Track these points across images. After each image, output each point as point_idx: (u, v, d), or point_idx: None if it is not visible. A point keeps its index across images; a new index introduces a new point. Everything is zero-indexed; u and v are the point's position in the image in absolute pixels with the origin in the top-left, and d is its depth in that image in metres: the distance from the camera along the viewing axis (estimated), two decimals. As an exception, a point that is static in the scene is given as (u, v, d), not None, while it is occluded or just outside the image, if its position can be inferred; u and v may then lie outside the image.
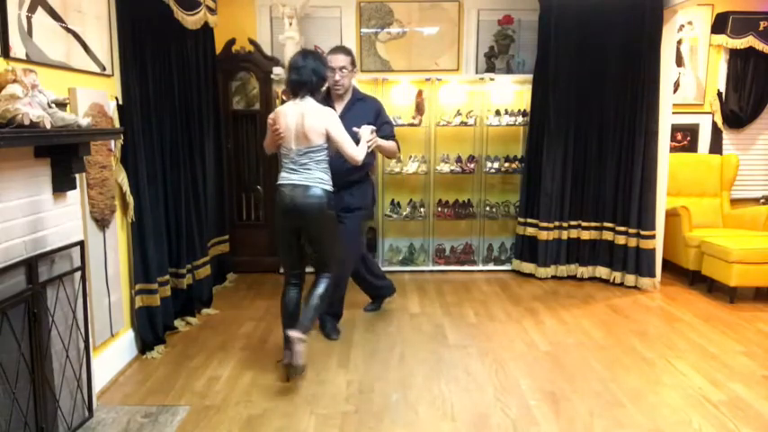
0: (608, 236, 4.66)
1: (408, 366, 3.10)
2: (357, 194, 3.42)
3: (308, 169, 2.89)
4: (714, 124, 5.27)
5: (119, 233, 3.06)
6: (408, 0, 4.99)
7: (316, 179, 2.89)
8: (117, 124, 2.95)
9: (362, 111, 3.38)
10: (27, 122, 1.85)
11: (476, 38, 5.07)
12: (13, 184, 2.08)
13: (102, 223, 2.84)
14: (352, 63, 3.37)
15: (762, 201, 5.29)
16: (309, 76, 2.91)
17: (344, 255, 3.40)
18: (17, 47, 2.20)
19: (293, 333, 2.77)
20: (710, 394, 2.80)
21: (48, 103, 2.07)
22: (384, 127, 3.40)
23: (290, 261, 3.06)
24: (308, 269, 3.10)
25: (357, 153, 2.94)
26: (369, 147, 3.04)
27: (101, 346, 2.87)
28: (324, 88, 3.07)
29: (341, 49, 3.39)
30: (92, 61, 2.78)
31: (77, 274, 2.45)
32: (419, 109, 4.97)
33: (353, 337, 3.53)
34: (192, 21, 3.72)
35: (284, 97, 4.99)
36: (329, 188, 2.93)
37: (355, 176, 3.34)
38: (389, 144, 3.42)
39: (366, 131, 3.06)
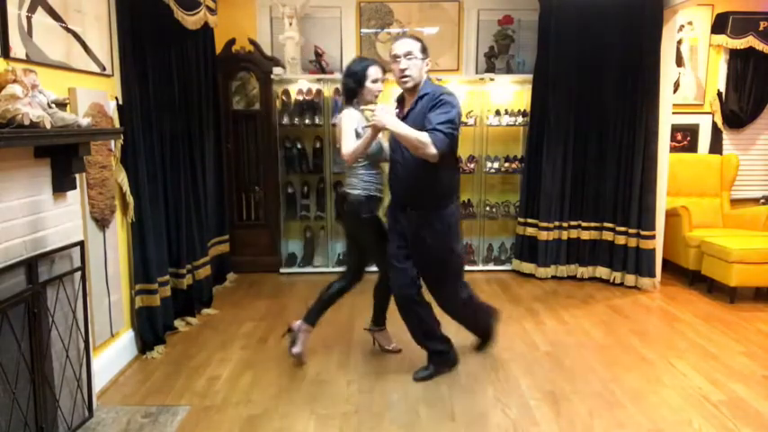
0: (608, 236, 4.66)
1: (408, 366, 3.09)
2: None
3: (348, 176, 3.06)
4: (714, 124, 5.27)
5: (119, 233, 3.06)
6: (408, 0, 5.00)
7: (349, 185, 3.02)
8: (117, 124, 2.95)
9: (422, 107, 2.69)
10: (27, 122, 1.85)
11: (476, 38, 5.07)
12: (13, 184, 2.08)
13: (102, 223, 2.84)
14: (423, 50, 2.73)
15: (762, 201, 5.29)
16: (344, 80, 3.01)
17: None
18: (17, 47, 2.20)
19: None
20: (710, 394, 2.80)
21: (48, 103, 2.07)
22: (429, 117, 2.61)
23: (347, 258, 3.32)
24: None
25: (343, 149, 2.84)
26: (364, 129, 2.78)
27: (101, 346, 2.87)
28: (361, 92, 2.95)
29: (407, 35, 3.05)
30: (92, 61, 2.78)
31: (77, 274, 2.45)
32: (419, 109, 4.96)
33: (353, 337, 3.53)
34: (192, 21, 3.71)
35: (284, 98, 5.01)
36: (360, 192, 2.95)
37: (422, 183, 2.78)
38: (409, 132, 2.55)
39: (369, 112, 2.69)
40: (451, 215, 2.78)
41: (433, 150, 2.50)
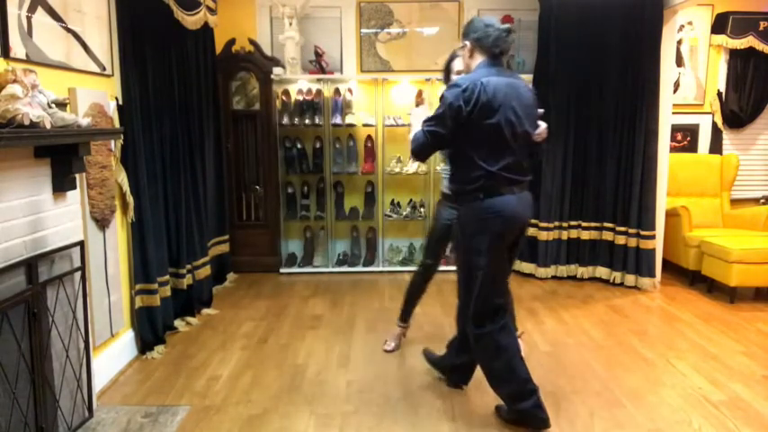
0: (608, 236, 4.65)
1: (408, 366, 3.10)
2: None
3: None
4: (714, 124, 5.27)
5: (119, 233, 3.06)
6: (408, 0, 4.99)
7: None
8: (117, 124, 2.95)
9: None
10: (27, 122, 1.85)
11: (476, 38, 5.07)
12: (13, 184, 2.08)
13: (102, 223, 2.84)
14: (463, 35, 2.50)
15: (762, 201, 5.29)
16: None
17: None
18: (17, 47, 2.20)
19: None
20: (710, 394, 2.80)
21: (48, 103, 2.07)
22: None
23: None
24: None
25: None
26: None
27: (101, 346, 2.87)
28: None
29: None
30: (92, 61, 2.78)
31: (77, 274, 2.45)
32: (419, 109, 4.97)
33: (353, 337, 3.53)
34: (191, 21, 3.72)
35: (284, 98, 5.01)
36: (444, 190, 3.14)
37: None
38: (412, 130, 2.54)
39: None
40: (467, 215, 2.46)
41: (410, 148, 2.46)
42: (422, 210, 5.09)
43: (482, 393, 2.80)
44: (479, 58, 2.42)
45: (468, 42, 2.44)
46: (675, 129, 5.04)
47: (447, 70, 3.03)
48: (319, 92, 4.93)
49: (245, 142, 4.94)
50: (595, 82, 4.56)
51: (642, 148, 4.43)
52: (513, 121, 2.33)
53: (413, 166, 5.01)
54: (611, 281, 4.64)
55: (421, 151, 2.43)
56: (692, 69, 5.22)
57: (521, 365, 2.47)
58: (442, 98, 2.38)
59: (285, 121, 4.90)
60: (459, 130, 2.34)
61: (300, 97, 4.93)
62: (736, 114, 5.21)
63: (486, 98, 2.29)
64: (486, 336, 2.48)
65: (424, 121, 2.40)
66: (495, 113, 2.30)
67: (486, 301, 2.45)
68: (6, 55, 2.13)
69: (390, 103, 5.05)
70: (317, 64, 4.92)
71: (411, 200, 5.11)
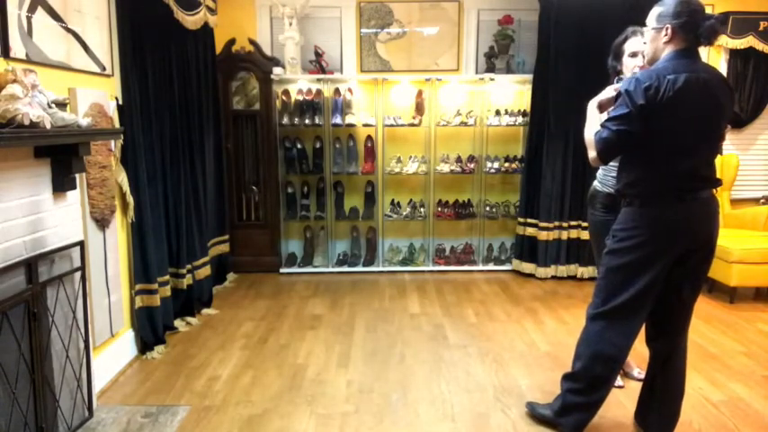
0: (608, 236, 4.65)
1: (408, 366, 3.10)
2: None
3: None
4: (714, 124, 5.26)
5: (119, 233, 3.06)
6: (408, 0, 5.00)
7: None
8: (117, 124, 2.95)
9: None
10: (27, 122, 1.85)
11: (476, 38, 5.07)
12: (13, 184, 2.08)
13: (102, 223, 2.84)
14: (661, 16, 2.11)
15: (762, 201, 5.28)
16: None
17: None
18: (17, 47, 2.20)
19: None
20: (710, 394, 2.80)
21: (48, 103, 2.08)
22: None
23: None
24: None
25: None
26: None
27: (101, 346, 2.87)
28: (622, 70, 2.60)
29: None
30: (92, 61, 2.78)
31: (77, 274, 2.45)
32: (419, 109, 4.97)
33: (353, 337, 3.53)
34: (191, 21, 3.72)
35: (284, 98, 5.00)
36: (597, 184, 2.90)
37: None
38: (588, 124, 2.28)
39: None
40: (621, 220, 2.22)
41: (591, 154, 2.17)
42: (422, 210, 5.09)
43: (481, 393, 2.80)
44: (674, 46, 2.09)
45: (669, 26, 2.08)
46: (675, 129, 5.04)
47: (616, 53, 2.67)
48: (319, 92, 4.94)
49: (245, 142, 4.94)
50: (595, 82, 4.52)
51: (642, 148, 4.43)
52: (700, 123, 2.06)
53: (413, 166, 5.01)
54: (611, 281, 4.63)
55: (609, 152, 2.15)
56: (692, 69, 5.21)
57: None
58: (624, 94, 2.08)
59: (285, 121, 4.90)
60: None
61: (300, 97, 4.94)
62: (736, 114, 5.20)
63: (672, 97, 2.01)
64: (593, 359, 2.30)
65: (608, 120, 2.12)
66: (679, 114, 2.03)
67: (603, 299, 2.25)
68: (6, 55, 2.13)
69: (390, 104, 5.05)
70: (317, 64, 4.92)
71: (411, 200, 5.12)
